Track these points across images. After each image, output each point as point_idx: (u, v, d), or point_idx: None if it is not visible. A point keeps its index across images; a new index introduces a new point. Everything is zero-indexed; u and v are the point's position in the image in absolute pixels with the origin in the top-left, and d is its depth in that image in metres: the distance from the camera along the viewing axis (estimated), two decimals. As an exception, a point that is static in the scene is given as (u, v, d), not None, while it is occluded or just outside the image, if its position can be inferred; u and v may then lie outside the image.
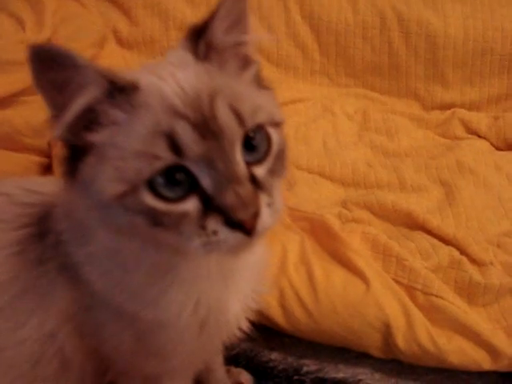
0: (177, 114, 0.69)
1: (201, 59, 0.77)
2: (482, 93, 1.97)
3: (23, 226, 0.92)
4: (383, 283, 1.29)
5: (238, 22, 0.79)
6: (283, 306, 1.30)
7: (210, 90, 0.72)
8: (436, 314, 1.28)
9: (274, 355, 1.38)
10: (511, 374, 1.32)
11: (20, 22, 1.71)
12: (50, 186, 0.97)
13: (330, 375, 1.34)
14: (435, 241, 1.40)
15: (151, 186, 0.69)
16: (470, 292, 1.31)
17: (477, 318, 1.28)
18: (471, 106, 1.98)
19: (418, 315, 1.27)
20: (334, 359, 1.37)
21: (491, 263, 1.34)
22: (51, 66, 0.66)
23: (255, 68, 0.81)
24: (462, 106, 1.98)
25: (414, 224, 1.46)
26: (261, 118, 0.74)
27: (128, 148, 0.69)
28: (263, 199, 0.72)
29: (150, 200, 0.69)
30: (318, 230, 1.39)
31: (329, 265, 1.32)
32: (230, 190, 0.69)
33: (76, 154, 0.72)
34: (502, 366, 1.27)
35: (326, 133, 1.87)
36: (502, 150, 1.84)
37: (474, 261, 1.34)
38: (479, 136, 1.88)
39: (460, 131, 1.89)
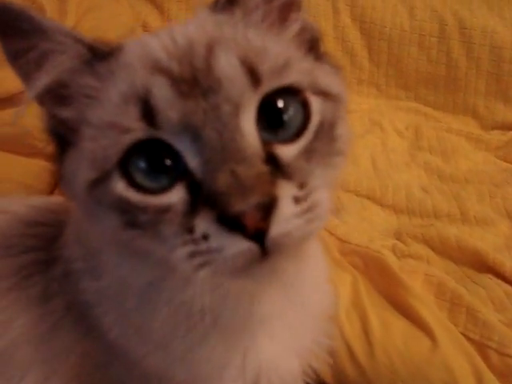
0: (157, 69, 0.56)
1: (217, 11, 0.64)
2: (549, 113, 1.79)
3: (28, 249, 0.78)
4: (452, 339, 1.10)
5: None
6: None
7: (211, 39, 0.59)
8: (513, 379, 1.09)
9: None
10: None
11: (40, 10, 1.55)
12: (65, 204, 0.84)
13: None
14: (510, 288, 1.20)
15: (125, 171, 0.56)
16: (552, 353, 1.11)
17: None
18: (538, 128, 1.80)
19: (491, 380, 1.07)
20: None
21: None
22: (12, 31, 0.58)
23: (298, 26, 0.66)
24: (527, 126, 1.80)
25: (481, 265, 1.27)
26: (292, 77, 0.59)
27: (99, 123, 0.58)
28: (286, 189, 0.55)
29: (121, 188, 0.56)
30: (373, 268, 1.21)
31: (387, 313, 1.13)
32: (224, 170, 0.54)
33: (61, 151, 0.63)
34: None
35: (374, 150, 1.70)
36: None
37: (556, 315, 1.15)
38: (546, 161, 1.70)
39: (524, 155, 1.71)
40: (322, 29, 1.74)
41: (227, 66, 0.56)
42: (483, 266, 1.27)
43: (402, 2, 1.86)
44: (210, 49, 0.57)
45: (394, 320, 1.13)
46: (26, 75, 0.60)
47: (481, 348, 1.11)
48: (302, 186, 0.56)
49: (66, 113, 0.61)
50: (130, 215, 0.56)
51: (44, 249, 0.77)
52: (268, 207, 0.52)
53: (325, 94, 0.61)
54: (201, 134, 0.54)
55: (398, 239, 1.35)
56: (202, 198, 0.54)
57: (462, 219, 1.43)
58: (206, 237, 0.53)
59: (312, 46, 0.67)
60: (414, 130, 1.79)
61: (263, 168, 0.54)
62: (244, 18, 0.62)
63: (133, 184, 0.56)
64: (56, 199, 0.88)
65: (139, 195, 0.55)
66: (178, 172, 0.56)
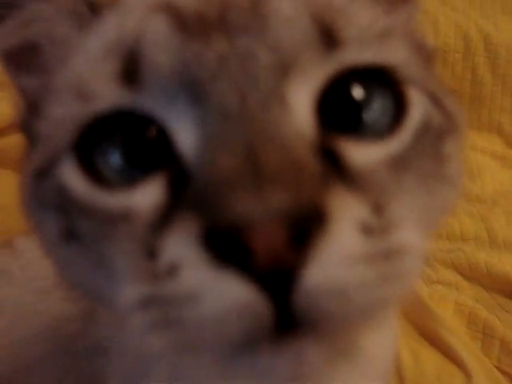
0: (159, 7, 0.38)
1: None
2: None
3: None
4: (487, 374, 1.05)
5: None
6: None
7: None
8: (548, 416, 1.04)
9: None
10: None
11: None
12: None
13: None
14: (542, 317, 1.15)
15: (83, 156, 0.39)
16: None
17: None
18: None
19: (525, 415, 1.03)
20: None
21: None
22: None
23: (410, 13, 0.48)
24: (553, 144, 1.75)
25: (512, 292, 1.22)
26: (391, 55, 0.41)
27: (62, 88, 0.41)
28: (347, 204, 0.34)
29: (66, 175, 0.39)
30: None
31: (417, 344, 1.09)
32: (234, 149, 0.33)
33: None
34: None
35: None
36: None
37: None
38: None
39: (551, 174, 1.66)
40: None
41: (287, 6, 0.38)
42: (514, 292, 1.23)
43: (425, 17, 1.82)
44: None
45: (425, 353, 1.08)
46: None
47: (515, 382, 1.07)
48: (376, 209, 0.36)
49: (32, 81, 0.46)
50: (68, 219, 0.38)
51: None
52: (306, 226, 0.31)
53: (434, 98, 0.44)
54: (208, 94, 0.35)
55: (425, 264, 1.31)
56: (187, 199, 0.34)
57: (489, 242, 1.37)
58: (173, 269, 0.32)
59: (423, 55, 0.48)
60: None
61: (312, 164, 0.34)
62: None
63: (89, 174, 0.38)
64: None
65: (88, 186, 0.38)
66: (159, 158, 0.37)
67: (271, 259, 0.29)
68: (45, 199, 0.41)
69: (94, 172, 0.38)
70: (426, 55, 0.49)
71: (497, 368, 1.08)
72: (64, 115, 0.40)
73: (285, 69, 0.36)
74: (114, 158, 0.38)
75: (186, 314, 0.31)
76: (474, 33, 1.76)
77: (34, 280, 0.74)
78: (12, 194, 1.26)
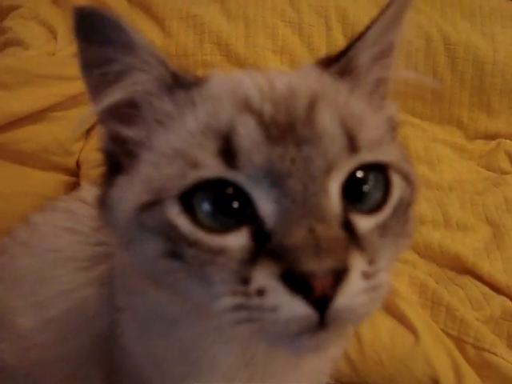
0: (246, 107, 0.53)
1: (326, 71, 0.64)
2: (529, 124, 1.87)
3: (99, 243, 0.86)
4: (432, 335, 1.20)
5: (387, 53, 0.68)
6: (324, 356, 1.21)
7: (315, 93, 0.57)
8: (488, 371, 1.19)
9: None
10: None
11: (51, 31, 1.64)
12: None
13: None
14: (486, 289, 1.30)
15: (186, 205, 0.52)
16: (524, 347, 1.22)
17: (531, 377, 1.19)
18: (517, 138, 1.87)
19: (468, 371, 1.18)
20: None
21: (547, 316, 1.24)
22: (99, 38, 0.54)
23: (391, 111, 0.70)
24: (508, 136, 1.88)
25: (462, 268, 1.37)
26: (385, 156, 0.59)
27: (166, 149, 0.54)
28: (358, 260, 0.52)
29: (174, 215, 0.52)
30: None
31: (376, 313, 1.22)
32: (302, 224, 0.50)
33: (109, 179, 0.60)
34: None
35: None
36: (550, 186, 1.73)
37: (528, 313, 1.25)
38: (526, 170, 1.78)
39: (505, 164, 1.79)
40: (316, 45, 1.82)
41: (329, 122, 0.54)
42: (463, 268, 1.36)
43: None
44: (313, 102, 0.56)
45: (381, 320, 1.23)
46: (97, 87, 0.57)
47: (459, 343, 1.21)
48: (371, 262, 0.53)
49: (130, 132, 0.58)
50: (175, 245, 0.52)
51: (111, 245, 0.83)
52: (339, 275, 0.49)
53: (405, 176, 0.61)
54: (284, 183, 0.51)
55: None
56: (267, 248, 0.50)
57: (444, 225, 1.51)
58: (261, 292, 0.49)
59: (393, 134, 0.70)
60: (403, 139, 1.85)
61: (340, 233, 0.52)
62: (351, 87, 0.62)
63: (190, 214, 0.52)
64: None
65: (193, 228, 0.52)
66: (244, 216, 0.52)
67: (322, 292, 0.49)
68: (148, 224, 0.54)
69: (194, 216, 0.52)
70: (395, 129, 0.70)
71: (443, 331, 1.22)
72: (171, 172, 0.53)
73: (329, 169, 0.53)
74: (211, 209, 0.52)
75: (267, 317, 0.50)
76: (435, 33, 1.87)
77: (50, 251, 0.89)
78: (10, 183, 1.38)
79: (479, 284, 1.32)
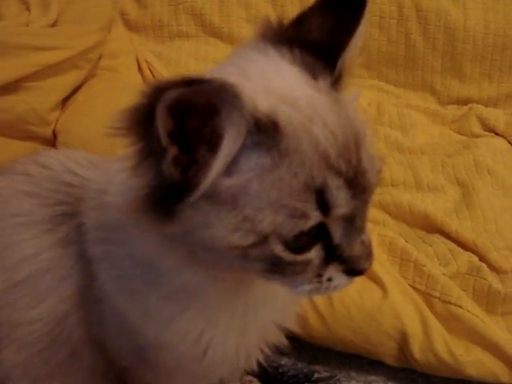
0: (329, 166, 0.60)
1: (317, 79, 0.66)
2: (500, 89, 1.90)
3: (59, 203, 0.88)
4: (400, 290, 1.24)
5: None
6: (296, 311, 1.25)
7: (354, 133, 0.63)
8: (454, 323, 1.24)
9: (284, 360, 1.33)
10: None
11: (24, 3, 1.64)
12: (92, 169, 0.91)
13: (342, 383, 1.29)
14: (454, 246, 1.34)
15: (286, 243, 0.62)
16: (488, 300, 1.26)
17: (495, 328, 1.24)
18: (489, 103, 1.91)
19: (435, 324, 1.23)
20: (346, 366, 1.33)
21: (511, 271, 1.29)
22: (194, 117, 0.54)
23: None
24: (480, 101, 1.91)
25: (431, 226, 1.41)
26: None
27: (267, 198, 0.59)
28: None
29: (279, 251, 0.62)
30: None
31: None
32: (358, 241, 0.65)
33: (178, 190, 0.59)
34: (521, 378, 1.23)
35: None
36: (520, 149, 1.78)
37: (493, 268, 1.29)
38: (496, 134, 1.81)
39: (477, 128, 1.82)
40: (289, 14, 1.84)
41: (369, 166, 0.64)
42: (432, 227, 1.40)
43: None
44: (358, 147, 0.62)
45: (350, 274, 1.27)
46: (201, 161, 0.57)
47: (426, 297, 1.25)
48: None
49: (229, 181, 0.59)
50: (276, 266, 0.63)
51: (72, 204, 0.86)
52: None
53: None
54: (354, 221, 0.63)
55: None
56: (334, 255, 0.65)
57: (416, 187, 1.54)
58: (330, 279, 0.66)
59: None
60: (377, 106, 1.88)
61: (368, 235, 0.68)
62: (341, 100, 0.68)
63: (287, 246, 0.62)
64: (86, 159, 0.95)
65: (291, 255, 0.62)
66: (321, 235, 0.63)
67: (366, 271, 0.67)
68: (251, 255, 0.62)
69: (291, 247, 0.62)
70: None
71: (411, 287, 1.27)
72: (277, 220, 0.59)
73: (371, 202, 0.66)
74: (300, 238, 0.62)
75: (329, 290, 0.68)
76: (407, 0, 1.89)
77: (13, 216, 0.90)
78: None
79: (447, 241, 1.36)
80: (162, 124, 0.53)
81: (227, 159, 0.57)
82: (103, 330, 0.88)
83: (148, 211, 0.60)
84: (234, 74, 0.64)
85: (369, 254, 0.66)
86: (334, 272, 0.66)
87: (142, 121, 0.54)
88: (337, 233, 0.63)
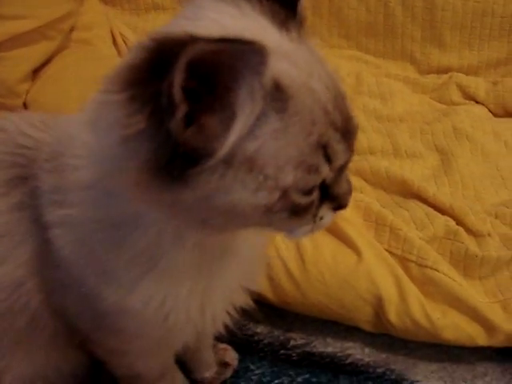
0: (330, 120, 0.60)
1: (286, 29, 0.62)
2: (480, 56, 1.87)
3: (12, 165, 0.84)
4: (375, 254, 1.23)
5: None
6: (270, 277, 1.23)
7: (336, 83, 0.62)
8: (430, 287, 1.22)
9: (260, 328, 1.31)
10: (506, 350, 1.27)
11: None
12: (45, 130, 0.87)
13: (318, 349, 1.28)
14: (431, 210, 1.32)
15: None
16: (466, 264, 1.25)
17: (472, 291, 1.23)
18: (469, 71, 1.88)
19: (411, 288, 1.21)
20: (322, 332, 1.31)
21: (489, 234, 1.28)
22: (217, 77, 0.52)
23: None
24: (460, 70, 1.88)
25: (408, 192, 1.39)
26: None
27: (285, 157, 0.58)
28: None
29: (298, 198, 0.62)
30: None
31: (318, 234, 1.24)
32: (344, 179, 0.67)
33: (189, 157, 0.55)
34: (497, 341, 1.21)
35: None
36: (500, 116, 1.76)
37: (470, 232, 1.28)
38: (477, 102, 1.80)
39: (457, 96, 1.81)
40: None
41: (352, 112, 0.64)
42: (409, 193, 1.38)
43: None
44: (344, 96, 0.63)
45: (324, 239, 1.24)
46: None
47: (402, 261, 1.24)
48: None
49: (247, 146, 0.57)
50: (296, 212, 0.63)
51: (26, 167, 0.82)
52: None
53: None
54: (342, 170, 0.65)
55: None
56: (327, 195, 0.65)
57: (394, 154, 1.53)
58: (322, 217, 0.67)
59: None
60: (356, 76, 1.85)
61: None
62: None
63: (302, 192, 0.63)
64: (40, 121, 0.91)
65: (305, 198, 0.63)
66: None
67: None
68: (276, 208, 0.61)
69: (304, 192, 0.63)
70: None
71: (387, 251, 1.25)
72: (297, 175, 0.59)
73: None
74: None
75: (319, 228, 0.68)
76: None
77: None
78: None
79: (424, 206, 1.34)
80: (179, 81, 0.49)
81: (246, 125, 0.54)
82: (62, 296, 0.85)
83: (153, 179, 0.56)
84: (212, 28, 0.58)
85: (351, 190, 0.68)
86: (325, 210, 0.67)
87: (149, 77, 0.49)
88: (331, 176, 0.64)
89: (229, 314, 0.90)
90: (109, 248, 0.74)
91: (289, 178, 0.59)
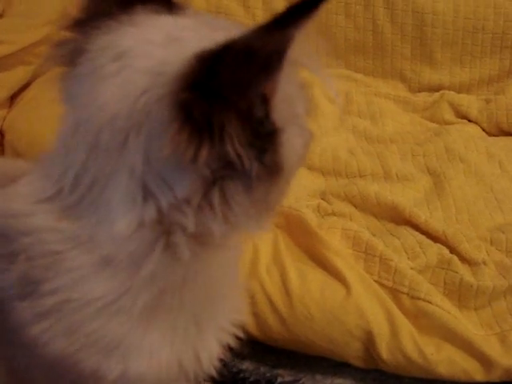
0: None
1: None
2: (472, 74, 1.83)
3: None
4: (365, 287, 1.17)
5: None
6: (254, 313, 1.17)
7: None
8: (423, 320, 1.16)
9: (246, 365, 1.26)
10: (504, 384, 1.20)
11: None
12: None
13: (307, 387, 1.22)
14: (423, 238, 1.27)
15: None
16: (460, 294, 1.19)
17: (468, 323, 1.17)
18: (461, 88, 1.83)
19: (403, 322, 1.15)
20: (310, 369, 1.26)
21: (484, 263, 1.22)
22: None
23: None
24: (452, 87, 1.83)
25: (399, 218, 1.33)
26: None
27: (289, 115, 0.62)
28: None
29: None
30: (294, 226, 1.26)
31: (305, 266, 1.19)
32: None
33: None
34: (495, 376, 1.15)
35: (304, 117, 1.73)
36: (493, 135, 1.71)
37: (465, 260, 1.22)
38: (469, 120, 1.75)
39: (449, 115, 1.75)
40: (251, 3, 1.78)
41: None
42: (401, 219, 1.32)
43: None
44: None
45: (311, 272, 1.19)
46: None
47: (394, 293, 1.18)
48: None
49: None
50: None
51: None
52: None
53: None
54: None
55: (323, 199, 1.39)
56: None
57: (384, 177, 1.47)
58: None
59: None
60: (345, 95, 1.80)
61: None
62: None
63: None
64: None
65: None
66: None
67: None
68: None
69: None
70: None
71: (377, 283, 1.19)
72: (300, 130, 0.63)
73: None
74: None
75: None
76: None
77: None
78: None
79: (416, 233, 1.28)
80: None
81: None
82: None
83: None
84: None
85: None
86: None
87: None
88: None
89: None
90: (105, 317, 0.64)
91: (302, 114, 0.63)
